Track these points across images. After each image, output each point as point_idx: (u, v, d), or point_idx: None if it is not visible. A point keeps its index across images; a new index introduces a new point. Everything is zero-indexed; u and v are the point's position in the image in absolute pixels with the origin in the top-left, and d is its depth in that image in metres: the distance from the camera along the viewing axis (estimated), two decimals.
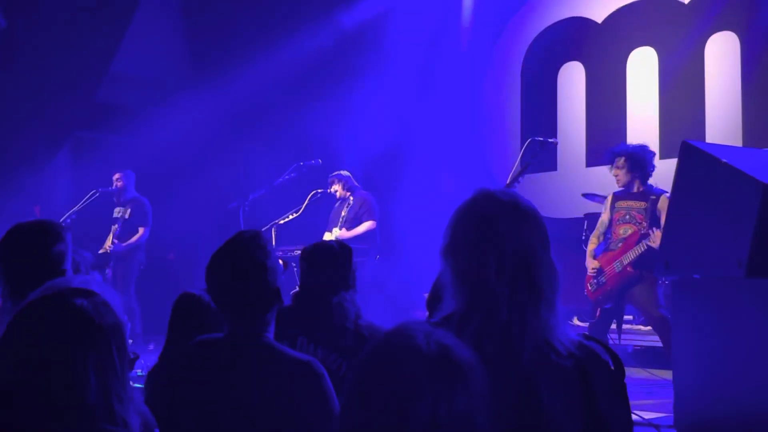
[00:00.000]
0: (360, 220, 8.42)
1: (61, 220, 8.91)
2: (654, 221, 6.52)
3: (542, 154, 6.77)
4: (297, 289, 3.92)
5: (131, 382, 1.96)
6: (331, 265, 3.74)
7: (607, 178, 7.29)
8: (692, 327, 4.74)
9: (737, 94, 8.66)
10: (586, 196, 8.63)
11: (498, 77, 10.80)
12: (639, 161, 6.69)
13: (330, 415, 2.39)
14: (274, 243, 8.20)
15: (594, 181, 9.27)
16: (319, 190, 8.63)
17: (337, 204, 8.72)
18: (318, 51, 10.93)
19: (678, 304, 4.95)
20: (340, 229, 8.31)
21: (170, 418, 2.57)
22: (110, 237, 9.25)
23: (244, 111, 10.91)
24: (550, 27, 10.35)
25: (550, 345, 1.92)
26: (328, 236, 8.51)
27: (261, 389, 2.48)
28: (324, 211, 8.82)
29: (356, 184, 8.72)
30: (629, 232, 6.65)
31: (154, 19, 11.27)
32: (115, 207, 9.50)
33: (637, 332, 7.98)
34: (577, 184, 9.61)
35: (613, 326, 6.94)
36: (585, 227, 8.32)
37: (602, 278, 6.72)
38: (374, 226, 8.43)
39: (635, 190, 6.74)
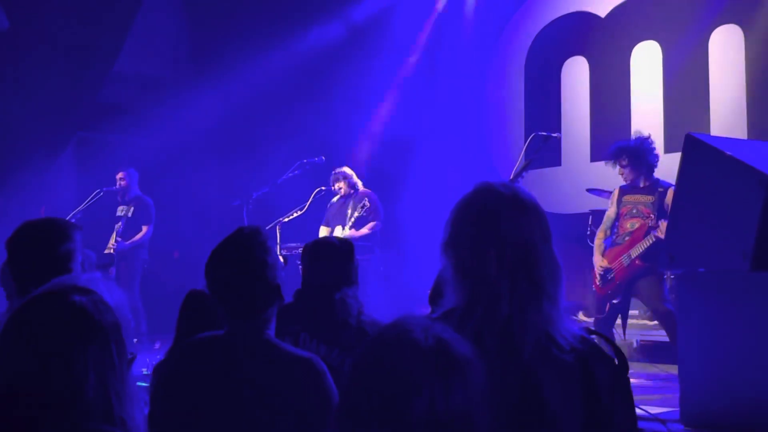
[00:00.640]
0: (366, 219, 8.41)
1: (66, 219, 8.90)
2: (662, 215, 6.49)
3: (546, 149, 6.75)
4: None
5: (135, 381, 1.96)
6: (333, 261, 3.73)
7: (611, 173, 7.26)
8: (698, 321, 4.72)
9: (741, 87, 8.63)
10: (590, 191, 8.61)
11: (502, 72, 10.78)
12: (640, 156, 6.66)
13: (331, 412, 2.38)
14: (278, 240, 8.20)
15: (598, 176, 9.24)
16: (323, 188, 8.62)
17: (335, 199, 8.69)
18: (321, 48, 10.93)
19: (683, 297, 4.94)
20: (350, 229, 8.29)
21: (172, 415, 2.57)
22: (113, 235, 9.25)
23: (247, 109, 10.91)
24: (553, 22, 10.33)
25: (551, 339, 1.91)
26: (324, 231, 8.49)
27: (262, 386, 2.47)
28: (325, 209, 8.81)
29: (357, 180, 8.70)
30: (636, 225, 6.63)
31: (157, 18, 11.27)
32: (118, 206, 9.51)
33: (642, 327, 7.96)
34: (582, 178, 9.59)
35: (618, 321, 6.91)
36: (590, 222, 8.29)
37: (610, 273, 6.69)
38: (378, 225, 8.43)
39: (642, 184, 6.71)
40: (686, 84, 9.04)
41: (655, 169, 6.76)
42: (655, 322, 7.61)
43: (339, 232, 8.29)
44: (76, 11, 9.56)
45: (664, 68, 9.28)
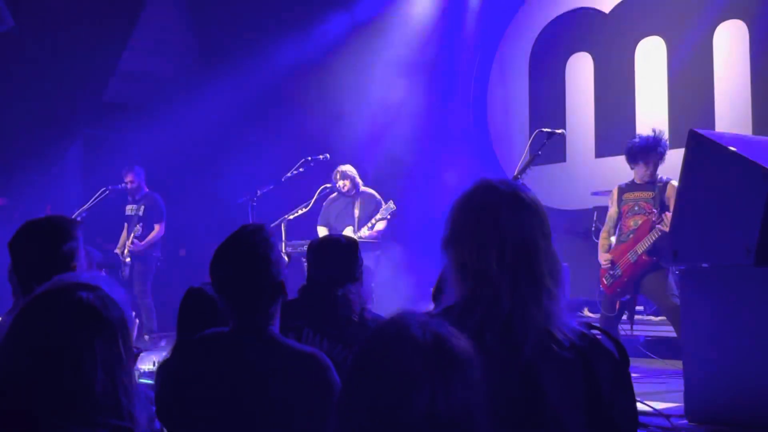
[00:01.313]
0: (371, 218, 8.40)
1: (72, 217, 8.92)
2: (663, 209, 6.49)
3: (550, 145, 6.74)
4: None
5: (139, 377, 1.98)
6: (337, 258, 3.75)
7: (615, 169, 7.27)
8: (702, 316, 4.73)
9: (746, 82, 8.62)
10: (596, 194, 8.59)
11: (506, 68, 10.78)
12: (663, 152, 6.69)
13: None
14: (283, 238, 8.21)
15: (603, 172, 9.25)
16: (328, 185, 8.61)
17: (333, 196, 8.67)
18: (326, 45, 10.93)
19: (687, 293, 4.94)
20: (359, 229, 8.29)
21: (178, 411, 2.58)
22: (130, 237, 9.23)
23: (253, 106, 10.92)
24: (557, 18, 10.32)
25: (551, 335, 1.91)
26: (323, 231, 8.49)
27: (267, 382, 2.48)
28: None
29: (359, 180, 8.68)
30: (640, 222, 6.62)
31: (162, 16, 11.28)
32: (126, 204, 9.52)
33: (648, 323, 7.95)
34: (586, 175, 9.59)
35: (625, 317, 6.91)
36: (594, 218, 8.29)
37: (617, 271, 6.67)
38: (385, 224, 8.44)
39: (640, 180, 6.72)
40: (691, 79, 9.03)
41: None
42: (661, 317, 7.61)
43: (349, 232, 8.26)
44: (80, 9, 9.58)
45: (668, 64, 9.26)
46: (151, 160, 9.88)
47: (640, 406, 4.81)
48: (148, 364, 5.42)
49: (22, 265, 3.16)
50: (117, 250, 9.28)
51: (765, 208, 4.30)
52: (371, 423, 1.38)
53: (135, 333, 2.05)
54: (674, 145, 7.27)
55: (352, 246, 3.85)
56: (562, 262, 2.06)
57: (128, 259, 9.10)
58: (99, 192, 9.15)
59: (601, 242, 6.94)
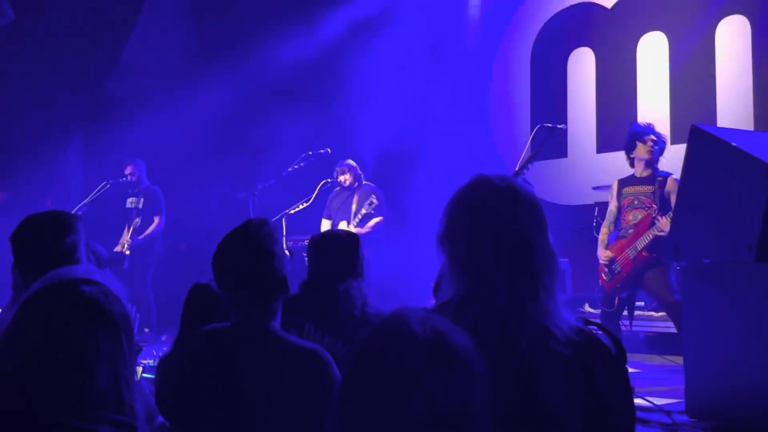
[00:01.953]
0: (370, 215, 8.40)
1: (72, 211, 8.92)
2: (663, 204, 6.48)
3: (551, 140, 6.72)
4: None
5: (142, 372, 1.98)
6: (339, 253, 3.75)
7: (617, 164, 7.25)
8: (703, 312, 4.73)
9: (748, 77, 8.61)
10: (597, 188, 8.58)
11: (508, 63, 10.76)
12: (663, 144, 6.70)
13: None
14: (284, 233, 8.20)
15: (604, 168, 9.24)
16: (329, 180, 8.61)
17: (337, 189, 8.68)
18: (328, 40, 10.92)
19: (688, 289, 4.94)
20: (356, 226, 8.29)
21: (179, 406, 2.58)
22: (129, 230, 9.24)
23: (253, 100, 10.91)
24: (559, 13, 10.31)
25: (548, 331, 1.90)
26: (326, 224, 8.49)
27: (267, 378, 2.48)
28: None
29: (360, 173, 8.68)
30: (639, 217, 6.60)
31: (163, 10, 11.27)
32: (128, 197, 9.52)
33: (648, 318, 7.95)
34: (588, 170, 9.58)
35: (625, 313, 6.90)
36: (596, 213, 8.28)
37: (617, 266, 6.65)
38: (383, 222, 8.43)
39: (640, 174, 6.70)
40: (693, 75, 9.02)
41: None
42: (661, 313, 7.61)
43: (344, 226, 8.28)
44: (81, 3, 9.57)
45: (670, 59, 9.25)
46: (152, 155, 9.88)
47: (640, 402, 4.83)
48: (149, 358, 5.42)
49: (23, 258, 3.16)
50: (118, 247, 9.27)
51: (766, 204, 4.29)
52: (369, 418, 1.37)
53: (136, 328, 2.05)
54: (676, 141, 7.28)
55: (353, 241, 3.85)
56: (563, 257, 2.06)
57: (128, 252, 9.09)
58: (100, 186, 9.15)
59: (601, 237, 6.92)
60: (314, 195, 8.46)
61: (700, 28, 8.95)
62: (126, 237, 9.25)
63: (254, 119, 11.03)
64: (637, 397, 4.79)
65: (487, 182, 2.03)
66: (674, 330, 6.67)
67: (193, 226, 10.33)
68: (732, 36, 8.78)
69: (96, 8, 9.67)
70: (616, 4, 9.78)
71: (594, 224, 8.11)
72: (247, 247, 2.60)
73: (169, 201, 9.64)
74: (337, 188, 8.69)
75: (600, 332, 1.99)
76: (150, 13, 10.45)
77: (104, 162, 10.03)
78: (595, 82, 9.90)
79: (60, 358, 1.79)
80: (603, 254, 6.76)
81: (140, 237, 9.19)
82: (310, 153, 8.55)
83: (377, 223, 8.37)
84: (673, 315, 6.42)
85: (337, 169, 8.59)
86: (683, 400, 4.80)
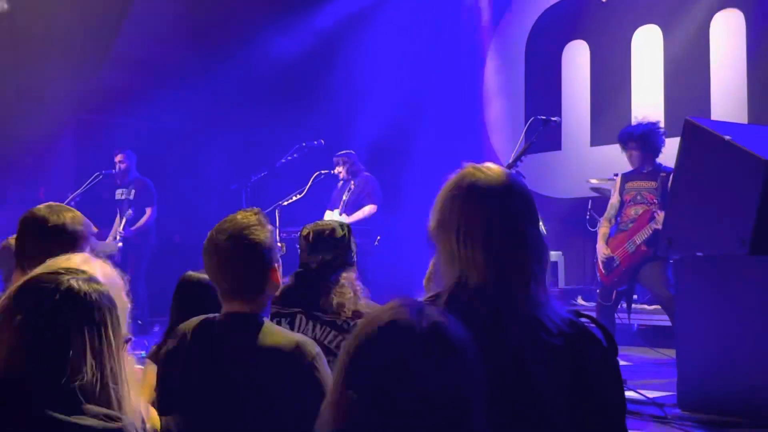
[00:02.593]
0: (361, 204, 8.39)
1: (65, 202, 8.89)
2: (666, 199, 6.46)
3: (545, 134, 6.71)
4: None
5: (133, 363, 1.96)
6: (331, 243, 3.73)
7: (610, 158, 7.25)
8: (695, 305, 4.73)
9: (742, 71, 8.61)
10: (593, 189, 8.56)
11: (502, 55, 10.76)
12: (649, 141, 6.63)
13: (325, 396, 2.37)
14: (277, 224, 8.19)
15: (598, 161, 9.24)
16: (323, 171, 8.60)
17: (340, 184, 8.71)
18: (321, 30, 10.90)
19: (681, 282, 4.95)
20: (341, 213, 8.29)
21: (169, 396, 2.57)
22: (122, 222, 9.20)
23: (246, 91, 10.89)
24: (554, 5, 10.30)
25: (540, 323, 1.89)
26: (329, 215, 8.49)
27: (255, 370, 2.47)
28: (328, 192, 8.81)
29: (360, 165, 8.69)
30: (640, 212, 6.57)
31: (156, 1, 11.22)
32: (117, 189, 9.49)
33: (642, 311, 7.96)
34: (582, 163, 9.59)
35: (624, 305, 6.88)
36: (589, 206, 8.28)
37: (615, 260, 6.62)
38: (375, 209, 8.42)
39: (645, 169, 6.67)
40: (687, 68, 9.02)
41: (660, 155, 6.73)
42: (655, 306, 7.62)
43: (332, 215, 8.28)
44: None
45: (664, 52, 9.25)
46: (145, 146, 9.85)
47: (633, 395, 4.83)
48: (141, 350, 5.41)
49: (26, 243, 3.15)
50: (109, 238, 9.23)
51: (760, 197, 4.29)
52: (365, 409, 1.37)
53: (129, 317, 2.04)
54: (670, 134, 7.25)
55: (345, 232, 3.83)
56: (556, 250, 2.05)
57: (120, 245, 9.06)
58: (93, 176, 9.12)
59: (602, 231, 6.85)
60: (307, 187, 8.45)
61: (695, 21, 8.95)
62: (118, 228, 9.22)
63: (247, 110, 11.01)
64: (630, 389, 4.79)
65: (478, 173, 2.02)
66: (667, 323, 6.67)
67: (187, 217, 10.31)
68: (726, 29, 8.78)
69: None
70: None
71: (587, 217, 8.11)
72: (236, 237, 2.59)
73: (163, 192, 9.62)
74: (341, 182, 8.71)
75: (591, 324, 1.98)
76: (143, 4, 10.40)
77: (97, 152, 10.00)
78: (589, 75, 9.90)
79: (46, 351, 1.77)
80: (602, 250, 6.70)
81: (133, 228, 9.16)
82: (304, 144, 8.54)
83: (369, 212, 8.36)
84: (668, 309, 6.41)
85: (335, 159, 8.61)
86: (675, 393, 4.81)
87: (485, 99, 10.81)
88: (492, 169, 2.03)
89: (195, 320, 2.66)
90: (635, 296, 7.95)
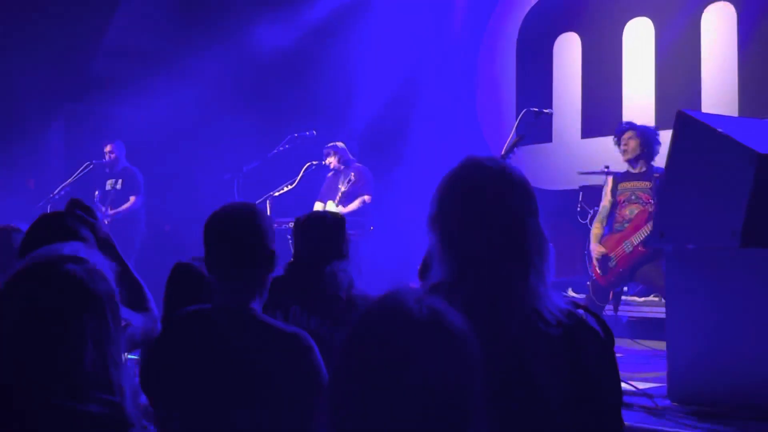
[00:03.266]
0: (356, 194, 8.39)
1: (54, 192, 8.88)
2: None
3: (537, 125, 6.70)
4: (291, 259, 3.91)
5: (127, 352, 1.96)
6: (324, 234, 3.74)
7: (601, 149, 7.26)
8: (686, 297, 4.75)
9: (733, 64, 8.63)
10: (582, 173, 8.56)
11: (494, 48, 10.74)
12: (651, 141, 6.62)
13: (318, 388, 2.36)
14: (269, 215, 8.18)
15: (589, 153, 9.26)
16: (314, 162, 8.59)
17: (330, 175, 8.69)
18: (314, 21, 10.87)
19: (672, 274, 4.96)
20: (338, 205, 8.28)
21: (160, 387, 2.57)
22: (105, 208, 9.17)
23: (238, 82, 10.87)
24: None
25: (538, 314, 1.90)
26: (319, 206, 8.48)
27: (247, 361, 2.45)
28: (319, 183, 8.81)
29: (351, 156, 8.69)
30: (636, 212, 6.55)
31: None
32: (107, 179, 9.46)
33: (632, 303, 7.97)
34: (572, 155, 9.59)
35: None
36: (580, 199, 8.29)
37: (612, 261, 6.60)
38: (369, 200, 8.42)
39: (637, 170, 6.66)
40: (678, 61, 9.03)
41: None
42: (644, 298, 7.65)
43: (329, 206, 8.28)
44: None
45: (656, 45, 9.26)
46: (135, 135, 9.82)
47: (623, 386, 4.84)
48: None
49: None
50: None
51: (751, 189, 4.30)
52: (364, 396, 1.37)
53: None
54: (660, 126, 7.27)
55: (338, 222, 3.84)
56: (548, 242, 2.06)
57: (106, 221, 9.02)
58: (83, 166, 9.09)
59: (595, 232, 6.81)
60: (299, 177, 8.45)
61: (686, 14, 8.96)
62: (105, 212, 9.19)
63: (239, 100, 10.99)
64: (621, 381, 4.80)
65: (478, 164, 2.03)
66: (656, 315, 6.68)
67: (178, 207, 10.30)
68: (718, 23, 8.79)
69: None
70: None
71: (578, 209, 8.12)
72: (237, 217, 2.61)
73: (153, 182, 9.59)
74: (331, 173, 8.69)
75: (588, 316, 1.99)
76: None
77: (87, 142, 9.97)
78: (580, 68, 9.90)
79: (46, 339, 1.77)
80: (597, 249, 6.68)
81: (111, 212, 9.07)
82: (296, 135, 8.53)
83: (364, 202, 8.36)
84: None
85: (325, 150, 8.59)
86: (665, 385, 4.83)
87: (477, 91, 10.81)
88: (492, 160, 2.04)
89: (187, 310, 2.66)
90: (625, 288, 7.98)
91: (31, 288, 1.82)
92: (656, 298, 7.55)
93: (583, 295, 6.92)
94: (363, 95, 10.24)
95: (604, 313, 6.79)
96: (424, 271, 3.18)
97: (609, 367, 1.96)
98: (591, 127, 9.59)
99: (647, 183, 6.54)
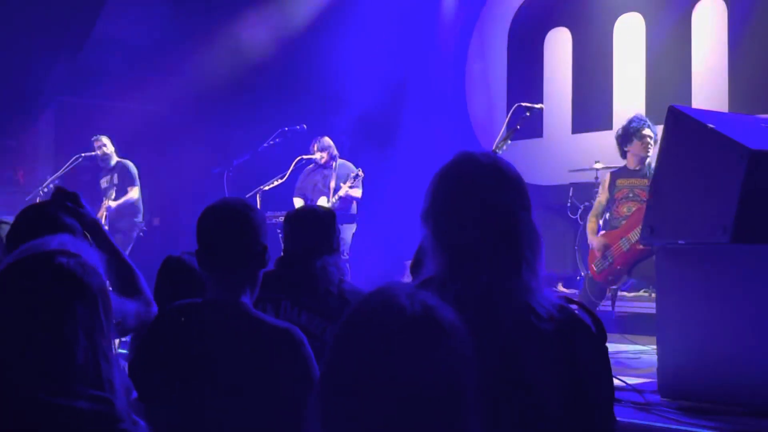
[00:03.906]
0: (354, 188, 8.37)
1: (44, 185, 8.85)
2: None
3: (527, 121, 6.69)
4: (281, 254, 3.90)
5: (119, 345, 1.95)
6: (314, 229, 3.72)
7: (592, 145, 7.26)
8: (677, 293, 4.75)
9: (724, 60, 8.64)
10: (573, 171, 8.56)
11: (485, 43, 10.75)
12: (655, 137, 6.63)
13: (309, 383, 2.36)
14: (258, 209, 8.15)
15: (579, 148, 9.27)
16: (305, 156, 8.58)
17: (310, 167, 8.62)
18: (304, 18, 10.85)
19: (663, 270, 4.95)
20: (329, 200, 8.25)
21: (150, 381, 2.56)
22: (104, 204, 9.12)
23: (229, 75, 10.84)
24: None
25: (531, 308, 1.90)
26: (299, 202, 8.44)
27: (238, 357, 2.45)
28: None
29: (336, 153, 8.64)
30: (633, 209, 6.54)
31: None
32: (100, 175, 9.42)
33: (621, 298, 7.97)
34: (563, 150, 9.61)
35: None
36: (570, 194, 8.30)
37: (608, 258, 6.58)
38: (359, 195, 8.41)
39: (635, 167, 6.64)
40: (669, 56, 9.05)
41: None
42: (634, 293, 7.65)
43: (323, 202, 8.24)
44: None
45: (647, 40, 9.28)
46: (126, 129, 9.79)
47: (613, 380, 4.84)
48: None
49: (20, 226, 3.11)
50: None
51: (742, 185, 4.30)
52: (356, 392, 1.36)
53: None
54: (651, 122, 7.27)
55: (329, 217, 3.82)
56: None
57: (106, 227, 8.99)
58: (72, 159, 9.06)
59: (589, 226, 6.78)
60: (289, 171, 8.43)
61: (677, 10, 8.98)
62: (102, 212, 9.16)
63: (229, 94, 10.96)
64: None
65: (471, 159, 2.02)
66: (646, 310, 6.69)
67: (168, 200, 10.27)
68: (708, 18, 8.81)
69: None
70: None
71: (569, 204, 8.13)
72: (231, 210, 2.61)
73: (144, 175, 9.56)
74: (310, 166, 8.64)
75: (581, 311, 1.99)
76: None
77: (77, 135, 9.93)
78: (571, 63, 9.91)
79: (37, 333, 1.76)
80: (596, 241, 6.64)
81: (113, 206, 9.05)
82: (286, 129, 8.51)
83: (354, 198, 8.35)
84: None
85: (316, 144, 8.53)
86: (655, 380, 4.83)
87: (468, 86, 10.81)
88: (486, 155, 2.03)
89: (177, 305, 2.65)
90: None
91: (24, 280, 1.80)
92: (646, 293, 7.56)
93: (574, 291, 6.92)
94: (353, 90, 10.22)
95: (598, 309, 6.80)
96: (416, 266, 3.17)
97: (601, 362, 1.96)
98: (582, 123, 9.60)
99: (645, 180, 6.53)
